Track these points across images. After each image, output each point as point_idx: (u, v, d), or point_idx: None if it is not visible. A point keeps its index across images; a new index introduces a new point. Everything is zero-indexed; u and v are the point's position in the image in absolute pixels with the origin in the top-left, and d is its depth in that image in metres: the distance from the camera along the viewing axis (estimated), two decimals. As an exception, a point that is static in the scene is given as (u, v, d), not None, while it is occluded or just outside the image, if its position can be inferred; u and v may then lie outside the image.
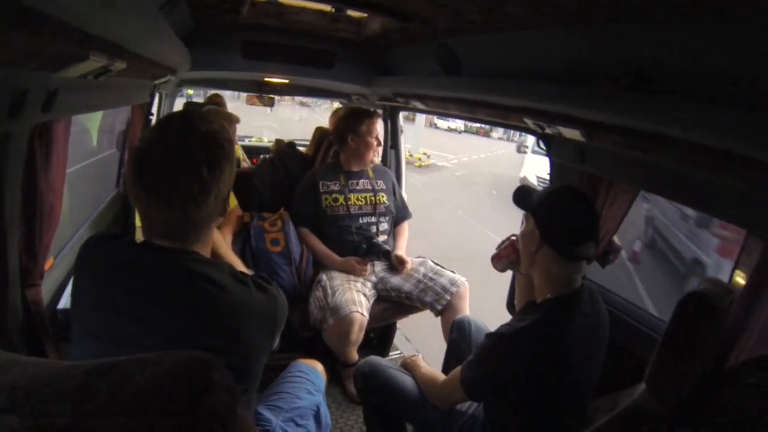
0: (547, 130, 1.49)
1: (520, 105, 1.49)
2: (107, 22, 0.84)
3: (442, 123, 31.68)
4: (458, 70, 1.78)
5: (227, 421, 0.52)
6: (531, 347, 1.20)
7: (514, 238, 1.50)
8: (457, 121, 29.40)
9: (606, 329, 1.32)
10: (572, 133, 1.38)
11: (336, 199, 2.39)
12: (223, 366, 0.57)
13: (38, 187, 1.14)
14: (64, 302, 1.45)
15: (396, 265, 2.34)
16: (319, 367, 1.56)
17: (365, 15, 1.91)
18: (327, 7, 1.79)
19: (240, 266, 1.42)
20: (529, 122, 1.54)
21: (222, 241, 1.82)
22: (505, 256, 1.50)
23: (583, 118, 1.28)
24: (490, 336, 1.29)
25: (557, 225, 1.27)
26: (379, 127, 2.44)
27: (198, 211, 0.90)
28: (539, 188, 1.41)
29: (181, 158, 0.88)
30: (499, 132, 32.84)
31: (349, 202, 2.38)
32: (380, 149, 2.46)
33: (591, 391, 1.29)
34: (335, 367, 2.28)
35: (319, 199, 2.38)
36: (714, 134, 0.88)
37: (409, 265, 2.34)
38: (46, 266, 1.32)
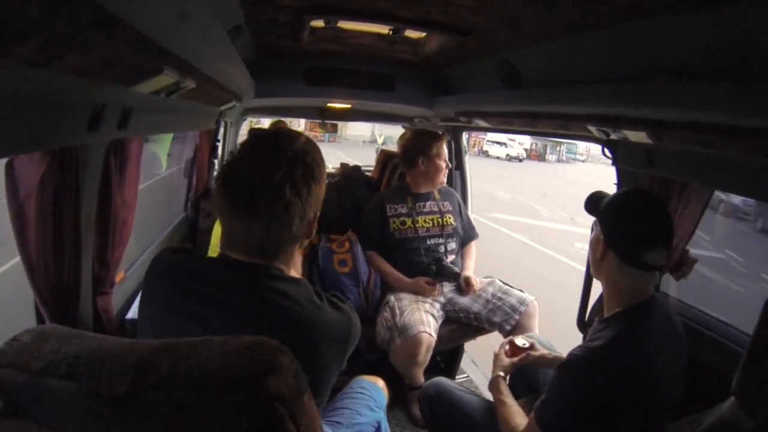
0: (612, 136, 1.42)
1: (583, 112, 1.43)
2: (181, 38, 0.89)
3: (495, 150, 27.28)
4: (518, 82, 1.76)
5: (293, 406, 0.50)
6: (610, 367, 1.09)
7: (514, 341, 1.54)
8: (514, 142, 27.00)
9: (684, 342, 1.20)
10: (638, 136, 1.31)
11: (404, 222, 2.39)
12: (291, 354, 0.55)
13: (112, 201, 1.21)
14: (132, 313, 1.51)
15: (463, 286, 2.31)
16: (380, 383, 1.52)
17: (423, 35, 1.93)
18: (385, 30, 1.83)
19: None
20: (593, 129, 1.47)
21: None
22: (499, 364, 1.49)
23: (648, 118, 1.22)
24: (561, 366, 1.19)
25: (621, 229, 1.19)
26: (442, 148, 2.44)
27: (280, 230, 0.89)
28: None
29: (267, 177, 0.87)
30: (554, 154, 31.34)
31: (417, 225, 2.39)
32: (443, 172, 2.45)
33: (672, 411, 1.17)
34: (401, 389, 2.24)
35: (387, 223, 2.39)
36: None
37: (476, 286, 2.30)
38: (117, 278, 1.39)
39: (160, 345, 0.53)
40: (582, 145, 31.23)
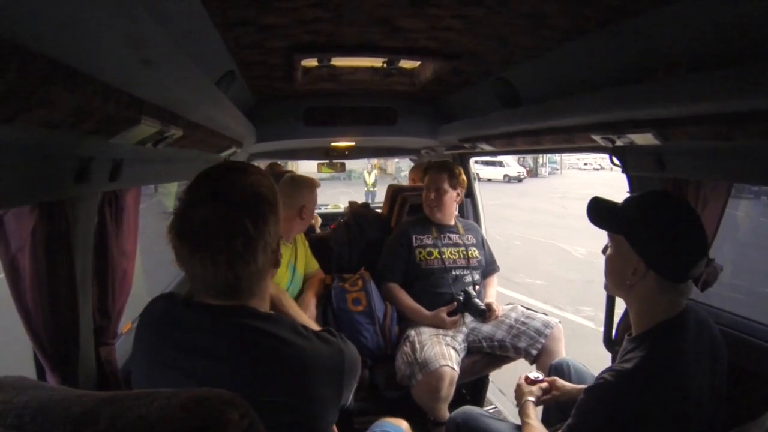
0: (618, 142, 1.37)
1: (585, 122, 1.41)
2: (154, 86, 0.90)
3: (489, 172, 23.01)
4: (517, 101, 1.76)
5: None
6: (645, 391, 1.00)
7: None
8: (512, 160, 25.00)
9: (724, 352, 1.11)
10: (645, 138, 1.26)
11: (430, 253, 2.37)
12: (251, 411, 0.51)
13: (110, 252, 1.21)
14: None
15: (486, 314, 2.24)
16: (404, 425, 1.46)
17: (417, 65, 1.96)
18: (378, 63, 1.86)
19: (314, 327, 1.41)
20: (598, 138, 1.43)
21: (291, 303, 1.83)
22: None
23: (652, 118, 1.18)
24: (591, 390, 1.08)
25: (664, 247, 1.07)
26: (438, 178, 2.42)
27: (246, 267, 0.86)
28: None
29: (223, 215, 0.84)
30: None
31: (444, 256, 2.37)
32: (444, 200, 2.41)
33: (716, 426, 1.07)
34: (425, 426, 2.14)
35: (413, 253, 2.37)
36: None
37: (498, 312, 2.25)
38: (124, 329, 1.38)
39: (108, 397, 0.51)
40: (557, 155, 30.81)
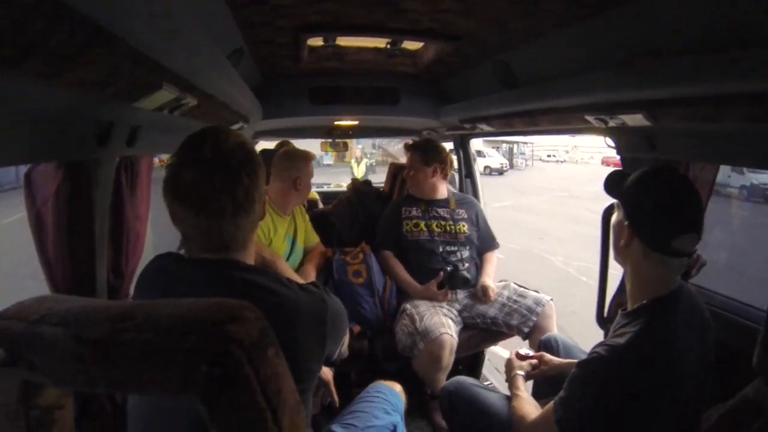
0: (611, 123, 1.42)
1: (579, 103, 1.45)
2: (177, 56, 0.96)
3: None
4: (515, 82, 1.80)
5: (252, 353, 0.53)
6: (636, 366, 1.03)
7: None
8: (494, 150, 23.71)
9: (711, 329, 1.15)
10: (636, 119, 1.30)
11: (417, 224, 2.43)
12: (264, 319, 0.58)
13: (125, 214, 1.28)
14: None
15: (480, 295, 2.30)
16: (397, 387, 1.52)
17: (420, 45, 2.00)
18: (382, 44, 1.90)
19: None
20: (591, 119, 1.48)
21: (286, 266, 1.88)
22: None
23: (643, 99, 1.22)
24: (584, 365, 1.11)
25: (647, 212, 1.09)
26: (412, 156, 2.51)
27: (247, 217, 0.93)
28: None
29: (220, 171, 0.90)
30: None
31: (431, 228, 2.42)
32: (417, 177, 2.48)
33: (704, 402, 1.12)
34: (421, 399, 2.23)
35: (401, 224, 2.45)
36: None
37: (493, 297, 2.28)
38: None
39: (142, 303, 0.58)
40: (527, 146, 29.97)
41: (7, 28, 0.55)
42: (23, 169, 1.01)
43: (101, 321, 0.55)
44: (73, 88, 0.80)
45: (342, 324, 1.05)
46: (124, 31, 0.73)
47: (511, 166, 27.57)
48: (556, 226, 10.81)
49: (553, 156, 33.98)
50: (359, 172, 11.55)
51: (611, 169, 1.40)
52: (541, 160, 33.66)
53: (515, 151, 30.58)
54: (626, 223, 1.12)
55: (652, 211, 1.09)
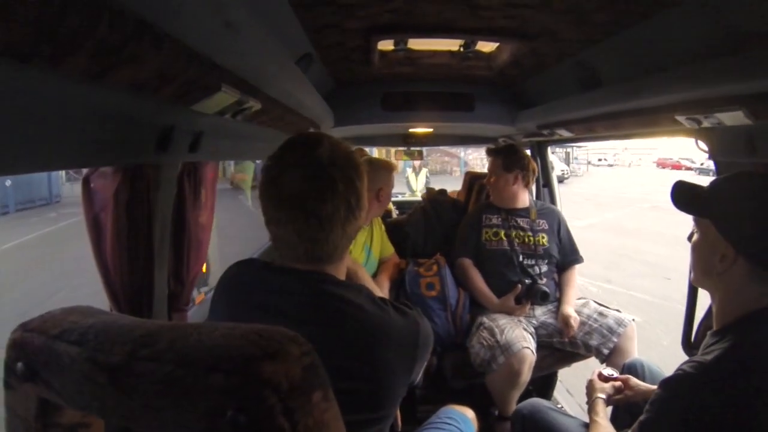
0: (705, 123, 1.25)
1: (669, 101, 1.30)
2: (236, 55, 0.92)
3: None
4: (597, 82, 1.66)
5: (290, 400, 0.44)
6: (728, 383, 0.92)
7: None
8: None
9: None
10: (735, 118, 1.13)
11: (496, 233, 2.33)
12: (315, 354, 0.49)
13: (187, 221, 1.27)
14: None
15: (560, 325, 2.14)
16: (470, 414, 1.43)
17: (494, 47, 1.88)
18: (455, 46, 1.81)
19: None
20: (682, 119, 1.31)
21: (367, 277, 1.84)
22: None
23: (743, 94, 1.05)
24: (668, 383, 1.01)
25: (757, 231, 0.97)
26: (494, 162, 2.41)
27: (353, 225, 0.90)
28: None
29: (339, 174, 0.86)
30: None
31: (510, 238, 2.30)
32: (498, 184, 2.38)
33: None
34: (488, 421, 2.10)
35: (481, 232, 2.34)
36: None
37: (574, 330, 2.10)
38: (197, 300, 1.44)
39: (171, 324, 0.53)
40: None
41: (44, 25, 0.51)
42: (56, 184, 1.02)
43: (121, 343, 0.49)
44: (123, 89, 0.77)
45: (430, 345, 0.99)
46: (172, 25, 0.69)
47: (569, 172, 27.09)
48: (667, 253, 7.81)
49: (604, 159, 32.69)
50: (418, 183, 9.50)
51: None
52: (590, 164, 32.20)
53: (572, 156, 29.26)
54: (726, 244, 1.00)
55: (761, 226, 0.97)
